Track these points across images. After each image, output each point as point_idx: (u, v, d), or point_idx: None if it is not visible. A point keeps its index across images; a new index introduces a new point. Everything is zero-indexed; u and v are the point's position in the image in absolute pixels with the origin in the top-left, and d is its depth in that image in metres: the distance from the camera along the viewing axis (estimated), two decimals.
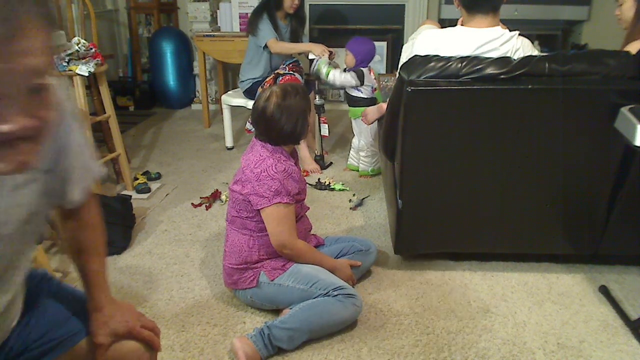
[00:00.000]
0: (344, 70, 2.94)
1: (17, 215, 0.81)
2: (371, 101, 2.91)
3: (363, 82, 2.87)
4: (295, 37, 3.25)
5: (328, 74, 2.90)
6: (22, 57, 0.60)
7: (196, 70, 4.42)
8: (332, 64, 3.04)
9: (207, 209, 2.62)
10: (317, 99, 3.07)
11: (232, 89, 4.15)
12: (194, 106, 4.56)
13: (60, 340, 0.96)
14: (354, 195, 2.80)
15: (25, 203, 0.81)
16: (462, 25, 1.91)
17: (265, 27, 3.05)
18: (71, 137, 0.88)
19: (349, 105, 3.00)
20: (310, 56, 3.05)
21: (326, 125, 3.06)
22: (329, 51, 3.02)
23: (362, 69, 2.87)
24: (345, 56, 2.96)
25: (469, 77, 1.72)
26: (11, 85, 0.60)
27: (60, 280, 1.04)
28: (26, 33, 0.59)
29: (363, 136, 2.97)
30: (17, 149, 0.63)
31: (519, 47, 1.84)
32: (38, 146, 0.67)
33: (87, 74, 2.39)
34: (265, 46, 3.07)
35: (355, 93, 2.93)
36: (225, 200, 2.68)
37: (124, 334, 0.98)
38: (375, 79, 2.97)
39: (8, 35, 0.58)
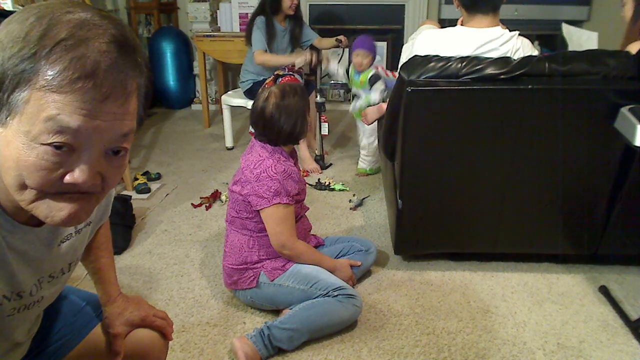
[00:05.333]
0: (355, 73, 2.93)
1: (69, 260, 0.85)
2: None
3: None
4: (294, 39, 3.26)
5: (369, 102, 2.86)
6: (126, 119, 0.62)
7: (196, 70, 4.42)
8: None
9: (207, 209, 2.62)
10: (318, 98, 3.07)
11: (232, 89, 4.15)
12: (194, 106, 4.56)
13: (76, 330, 0.99)
14: (354, 195, 2.79)
15: (72, 251, 0.85)
16: (462, 25, 1.91)
17: (256, 37, 3.06)
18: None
19: None
20: (297, 65, 3.00)
21: (326, 124, 3.06)
22: (318, 58, 2.99)
23: (378, 74, 2.85)
24: (355, 57, 2.86)
25: (469, 77, 1.72)
26: (102, 142, 0.61)
27: None
28: (132, 98, 0.63)
29: (365, 135, 2.98)
30: (74, 203, 0.63)
31: (519, 47, 1.83)
32: (94, 205, 0.67)
33: None
34: None
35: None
36: (225, 201, 2.68)
37: (139, 323, 1.02)
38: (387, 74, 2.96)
39: (124, 97, 0.61)
